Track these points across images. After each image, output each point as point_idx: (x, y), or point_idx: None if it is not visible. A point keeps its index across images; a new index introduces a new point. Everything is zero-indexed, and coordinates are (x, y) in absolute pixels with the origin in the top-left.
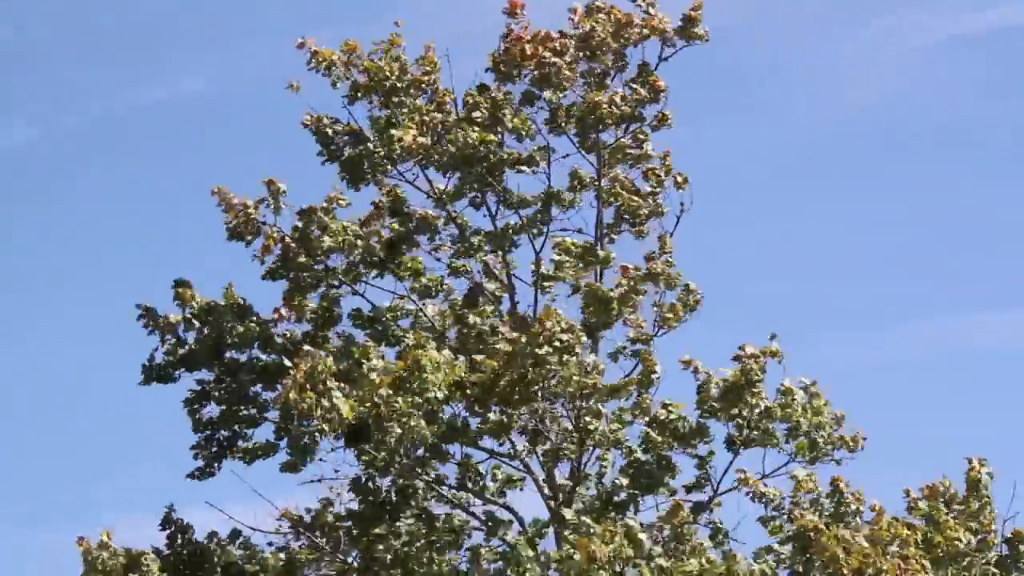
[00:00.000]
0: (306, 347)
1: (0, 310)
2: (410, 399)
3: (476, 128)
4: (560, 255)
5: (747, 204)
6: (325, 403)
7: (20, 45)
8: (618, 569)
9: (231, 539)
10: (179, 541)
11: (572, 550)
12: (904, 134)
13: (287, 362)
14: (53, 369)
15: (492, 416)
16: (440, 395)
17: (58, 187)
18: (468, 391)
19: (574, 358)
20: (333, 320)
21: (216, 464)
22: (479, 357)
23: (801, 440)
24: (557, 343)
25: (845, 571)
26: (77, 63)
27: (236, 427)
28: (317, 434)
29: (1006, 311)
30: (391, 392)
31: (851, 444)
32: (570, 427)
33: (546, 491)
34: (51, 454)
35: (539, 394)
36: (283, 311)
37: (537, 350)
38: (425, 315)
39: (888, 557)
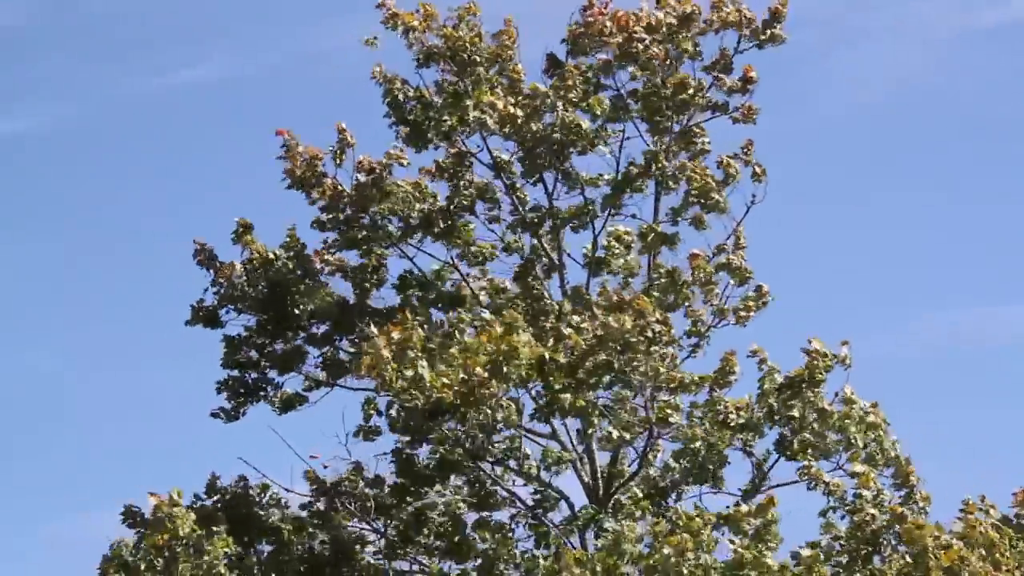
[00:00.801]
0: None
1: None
2: (504, 384)
3: (568, 107)
4: (614, 241)
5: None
6: (410, 374)
7: None
8: (700, 559)
9: (261, 492)
10: (223, 506)
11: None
12: (919, 125)
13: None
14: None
15: (569, 396)
16: (526, 375)
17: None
18: (547, 369)
19: (659, 349)
20: (378, 281)
21: (243, 408)
22: (568, 331)
23: (856, 452)
24: (650, 332)
25: (932, 567)
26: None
27: (267, 372)
28: (398, 407)
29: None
30: (485, 375)
31: (905, 471)
32: (637, 417)
33: (588, 479)
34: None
35: (622, 382)
36: (315, 260)
37: (628, 336)
38: (469, 285)
39: (979, 559)
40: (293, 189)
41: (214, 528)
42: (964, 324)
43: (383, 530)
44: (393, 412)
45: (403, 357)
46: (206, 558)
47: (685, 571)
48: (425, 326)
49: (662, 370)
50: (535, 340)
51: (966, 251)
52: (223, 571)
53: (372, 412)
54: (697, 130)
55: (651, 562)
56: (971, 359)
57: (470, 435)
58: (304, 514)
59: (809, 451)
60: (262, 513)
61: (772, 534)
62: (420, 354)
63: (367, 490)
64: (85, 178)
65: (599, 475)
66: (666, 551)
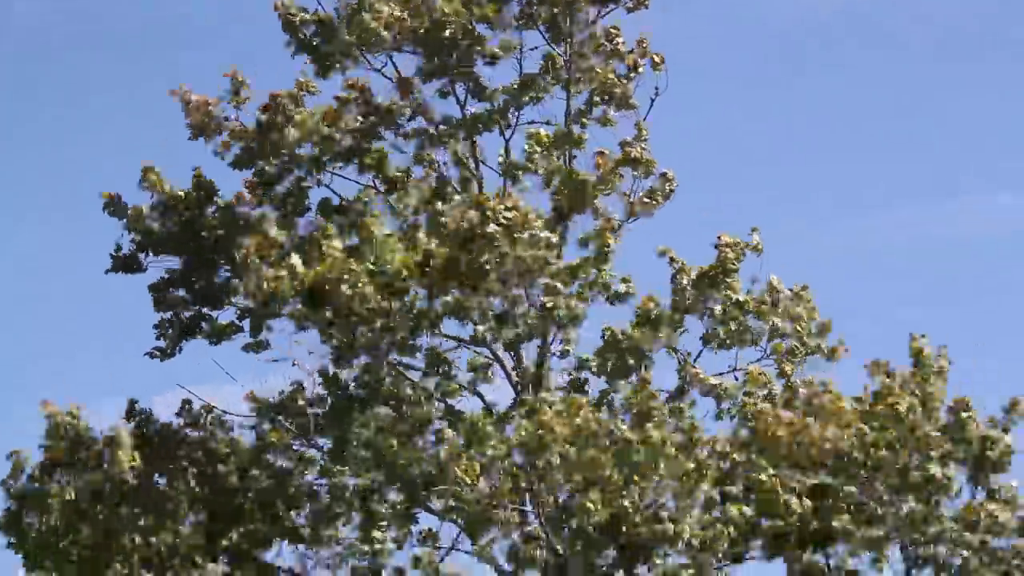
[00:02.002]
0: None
1: None
2: (362, 264)
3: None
4: (532, 146)
5: (724, 91)
6: (282, 271)
7: None
8: (581, 444)
9: (205, 412)
10: (145, 430)
11: (533, 428)
12: (888, 28)
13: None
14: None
15: (455, 299)
16: (393, 267)
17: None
18: (427, 273)
19: (524, 236)
20: (300, 211)
21: (178, 345)
22: (435, 239)
23: (778, 343)
24: (503, 221)
25: (787, 446)
26: None
27: (200, 309)
28: (277, 301)
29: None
30: (344, 256)
31: (828, 354)
32: (534, 310)
33: (514, 378)
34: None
35: (497, 275)
36: (245, 194)
37: (484, 229)
38: (392, 205)
39: (824, 429)
40: (198, 139)
41: (120, 443)
42: (878, 223)
43: (323, 448)
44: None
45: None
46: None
47: (568, 452)
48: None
49: (527, 256)
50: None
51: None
52: (129, 480)
53: (261, 327)
54: (613, 31)
55: (531, 445)
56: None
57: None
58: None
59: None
60: (199, 435)
61: (655, 412)
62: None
63: (308, 409)
64: None
65: (522, 371)
66: (540, 433)
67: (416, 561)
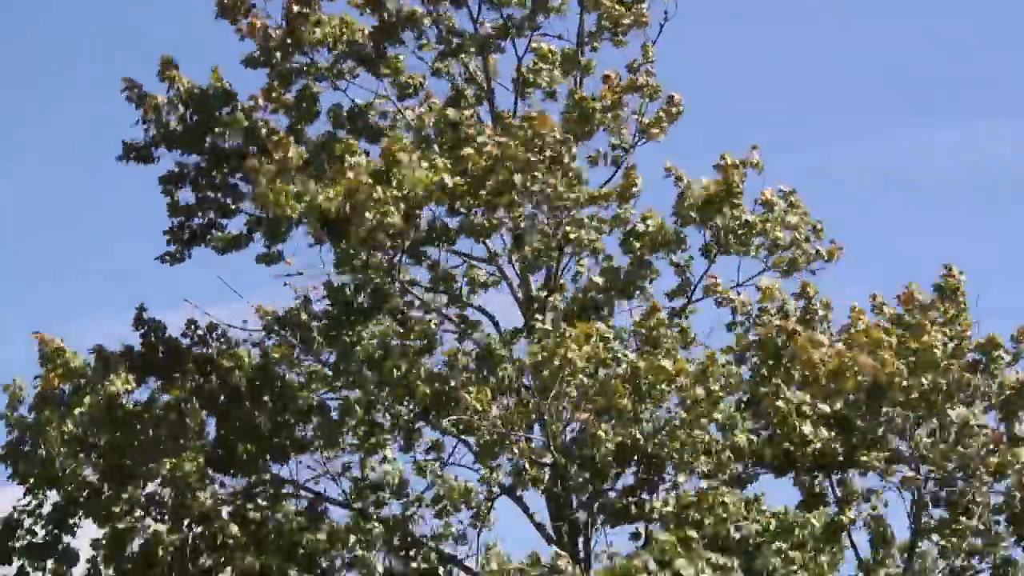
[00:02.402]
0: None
1: None
2: (388, 192)
3: None
4: (539, 61)
5: (734, 17)
6: (300, 191)
7: None
8: (592, 371)
9: (208, 332)
10: (152, 339)
11: (546, 354)
12: None
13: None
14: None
15: (474, 218)
16: (418, 192)
17: None
18: (450, 191)
19: (561, 167)
20: (312, 115)
21: (187, 251)
22: (467, 151)
23: (781, 256)
24: (549, 151)
25: (821, 374)
26: None
27: (211, 215)
28: (292, 222)
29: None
30: (370, 183)
31: (827, 255)
32: (550, 234)
33: (520, 297)
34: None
35: (523, 199)
36: (260, 100)
37: (529, 155)
38: (403, 115)
39: (865, 360)
40: (222, 18)
41: (113, 366)
42: (889, 149)
43: (324, 361)
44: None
45: (285, 177)
46: (102, 396)
47: (581, 380)
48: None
49: (562, 188)
50: (450, 165)
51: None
52: (125, 404)
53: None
54: None
55: (544, 373)
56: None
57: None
58: (252, 349)
59: (735, 254)
60: (205, 351)
61: (666, 338)
62: (308, 172)
63: (312, 322)
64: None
65: (531, 295)
66: (556, 362)
67: (420, 470)
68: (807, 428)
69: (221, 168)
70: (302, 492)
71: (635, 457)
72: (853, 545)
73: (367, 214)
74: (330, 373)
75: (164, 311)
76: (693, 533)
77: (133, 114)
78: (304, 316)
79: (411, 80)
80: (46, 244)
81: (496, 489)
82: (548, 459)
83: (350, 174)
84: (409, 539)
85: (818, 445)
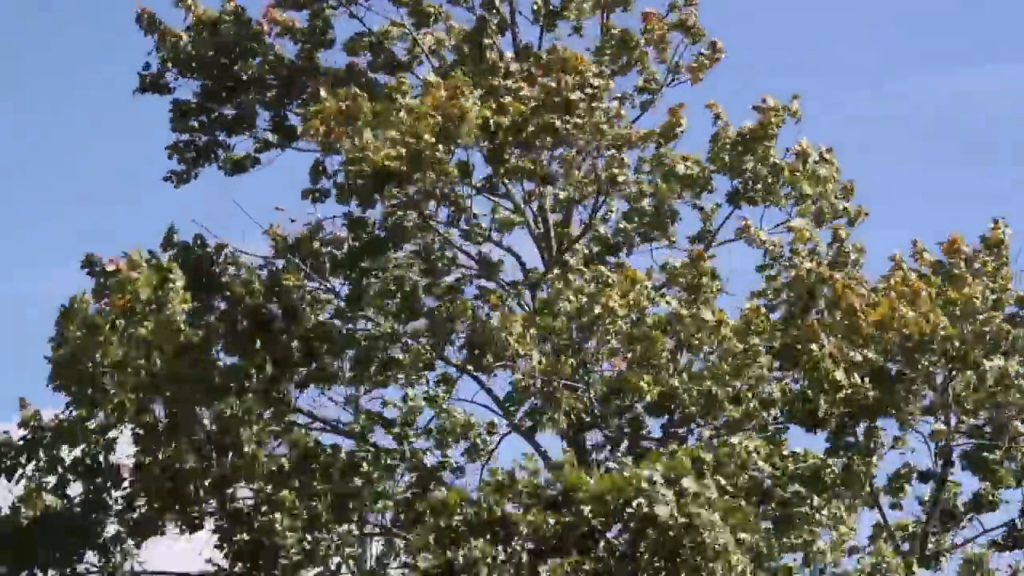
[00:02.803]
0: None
1: None
2: (451, 149)
3: None
4: None
5: None
6: (356, 142)
7: None
8: (635, 317)
9: (216, 252)
10: (184, 260)
11: (585, 300)
12: None
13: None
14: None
15: (512, 160)
16: (470, 139)
17: None
18: (493, 133)
19: (603, 105)
20: (326, 43)
21: (194, 171)
22: (507, 99)
23: (806, 205)
24: (589, 89)
25: (863, 323)
26: None
27: (217, 134)
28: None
29: None
30: (432, 139)
31: (853, 216)
32: (587, 175)
33: (544, 238)
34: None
35: (565, 141)
36: (266, 24)
37: (569, 95)
38: (421, 44)
39: (907, 312)
40: None
41: (171, 284)
42: (930, 89)
43: (337, 290)
44: (340, 179)
45: (350, 124)
46: (166, 314)
47: (621, 327)
48: (368, 92)
49: (605, 128)
50: (481, 102)
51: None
52: (182, 326)
53: (321, 175)
54: None
55: (584, 320)
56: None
57: (418, 199)
58: (263, 274)
59: (760, 203)
60: (218, 271)
61: (707, 288)
62: (368, 121)
63: (324, 249)
64: None
65: (552, 236)
66: (597, 310)
67: (431, 401)
68: (839, 375)
69: (236, 92)
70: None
71: (671, 407)
72: (875, 495)
73: (430, 172)
74: (342, 302)
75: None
76: (707, 456)
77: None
78: (315, 244)
79: (431, 8)
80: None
81: (510, 429)
82: (575, 405)
83: (405, 117)
84: (421, 472)
85: (849, 391)
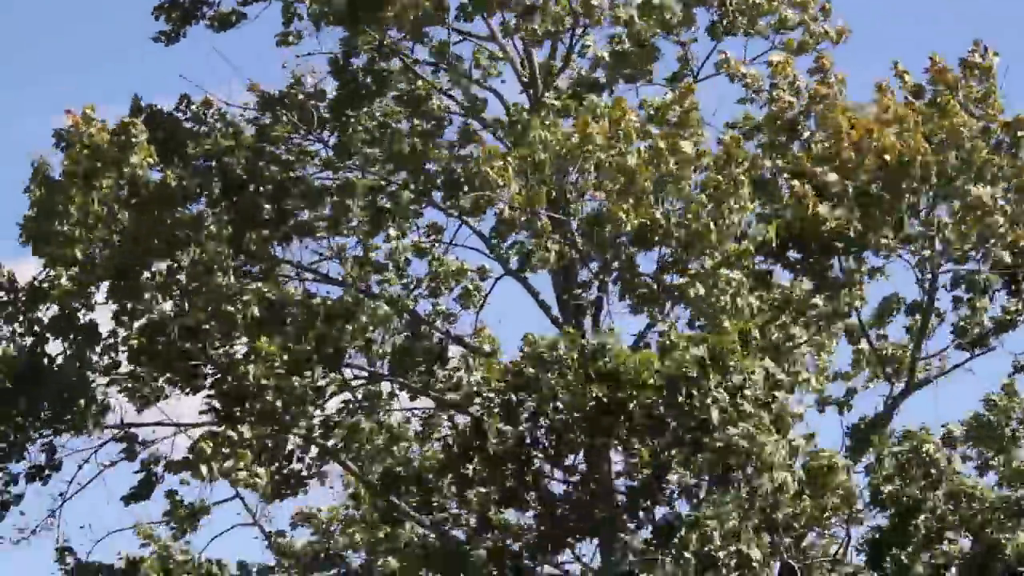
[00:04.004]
0: None
1: None
2: None
3: None
4: None
5: None
6: None
7: None
8: (613, 150)
9: (203, 108)
10: (153, 124)
11: (566, 130)
12: None
13: None
14: None
15: None
16: None
17: None
18: None
19: None
20: None
21: (182, 30)
22: None
23: (789, 39)
24: None
25: (845, 146)
26: None
27: None
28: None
29: None
30: None
31: (835, 36)
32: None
33: (525, 76)
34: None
35: None
36: None
37: None
38: None
39: (889, 136)
40: None
41: (133, 140)
42: None
43: (325, 141)
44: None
45: None
46: (126, 169)
47: (602, 159)
48: None
49: None
50: None
51: None
52: (145, 176)
53: (293, 18)
54: None
55: (565, 152)
56: None
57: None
58: (249, 129)
59: (742, 33)
60: (202, 129)
61: (692, 122)
62: None
63: (309, 102)
64: None
65: (537, 76)
66: (577, 141)
67: (420, 252)
68: (823, 208)
69: None
70: (306, 275)
71: (656, 239)
72: (862, 325)
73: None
74: (329, 153)
75: (158, 99)
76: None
77: None
78: (301, 96)
79: None
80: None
81: (501, 270)
82: (562, 239)
83: None
84: (412, 318)
85: (832, 225)
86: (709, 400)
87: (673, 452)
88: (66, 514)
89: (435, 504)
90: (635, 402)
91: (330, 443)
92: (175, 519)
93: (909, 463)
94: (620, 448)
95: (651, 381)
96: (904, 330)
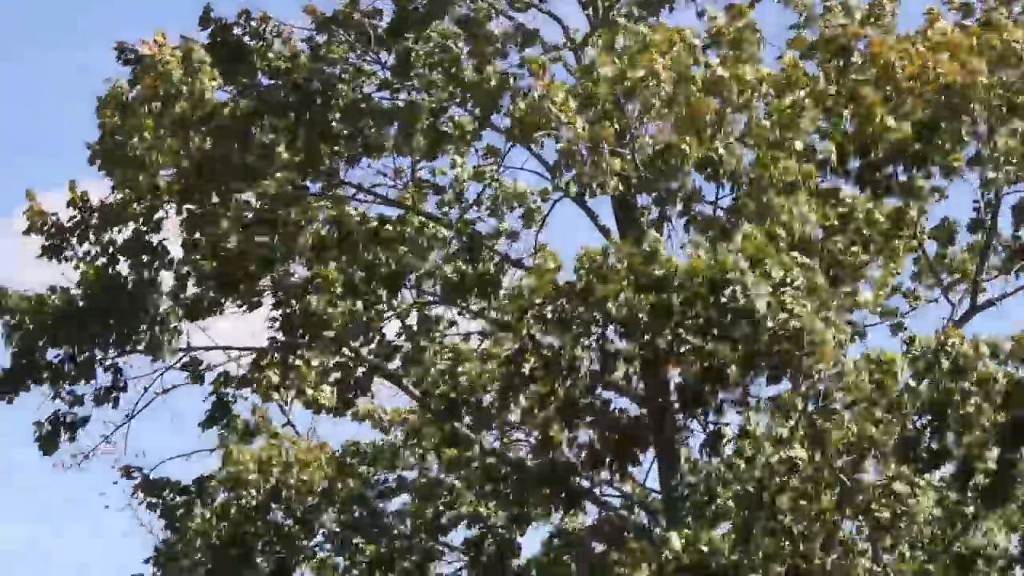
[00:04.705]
0: None
1: None
2: None
3: None
4: None
5: None
6: None
7: None
8: (675, 80)
9: (261, 23)
10: (219, 39)
11: (628, 61)
12: None
13: None
14: None
15: None
16: None
17: None
18: None
19: None
20: None
21: None
22: None
23: None
24: None
25: (900, 77)
26: None
27: None
28: None
29: None
30: None
31: None
32: None
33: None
34: None
35: None
36: None
37: None
38: None
39: (945, 62)
40: None
41: (199, 64)
42: None
43: (382, 61)
44: None
45: None
46: (196, 93)
47: (664, 90)
48: None
49: None
50: None
51: None
52: (213, 98)
53: None
54: None
55: (626, 84)
56: None
57: None
58: (306, 48)
59: None
60: (260, 44)
61: (748, 42)
62: None
63: (365, 20)
64: None
65: None
66: (639, 73)
67: (479, 175)
68: (890, 120)
69: None
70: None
71: (720, 170)
72: (920, 245)
73: None
74: (387, 74)
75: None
76: (780, 231)
77: None
78: (357, 15)
79: None
80: None
81: (561, 194)
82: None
83: None
84: (471, 240)
85: (898, 136)
86: (754, 294)
87: (726, 355)
88: (129, 438)
89: (495, 425)
90: (686, 308)
91: (392, 366)
92: (231, 438)
93: (936, 355)
94: (672, 356)
95: (700, 287)
96: (966, 249)
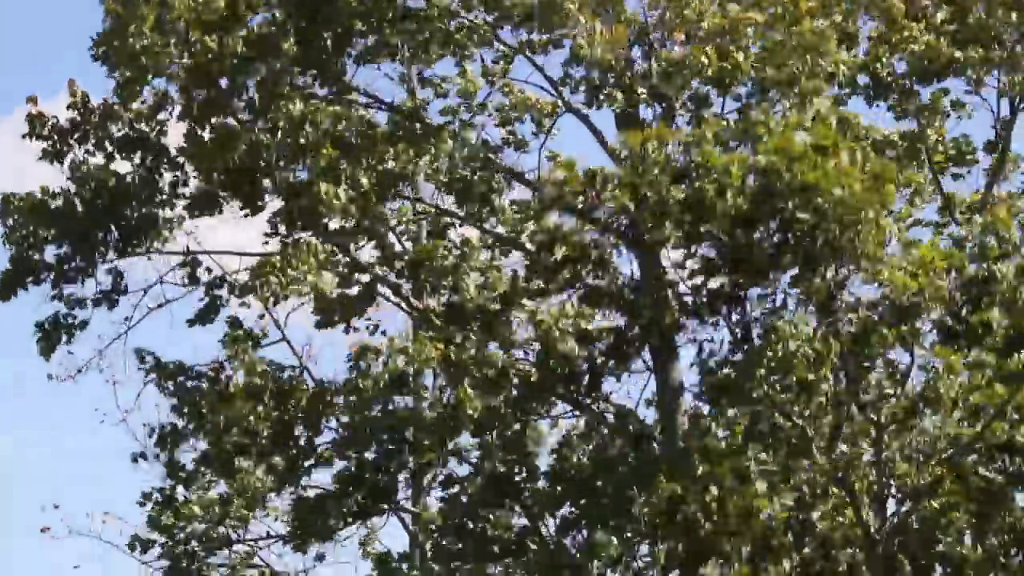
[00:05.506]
0: None
1: None
2: None
3: None
4: None
5: None
6: None
7: None
8: None
9: None
10: None
11: None
12: None
13: None
14: None
15: None
16: None
17: None
18: None
19: None
20: None
21: None
22: None
23: None
24: None
25: None
26: None
27: None
28: None
29: None
30: None
31: None
32: None
33: None
34: None
35: None
36: None
37: None
38: None
39: None
40: None
41: None
42: None
43: None
44: None
45: None
46: None
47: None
48: None
49: None
50: None
51: None
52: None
53: None
54: None
55: None
56: None
57: None
58: None
59: None
60: None
61: None
62: None
63: None
64: None
65: None
66: None
67: (486, 74)
68: (916, 29)
69: None
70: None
71: (736, 80)
72: (932, 164)
73: None
74: None
75: None
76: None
77: None
78: None
79: None
80: None
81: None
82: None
83: None
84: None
85: (921, 47)
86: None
87: (763, 245)
88: (130, 342)
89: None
90: (722, 199)
91: (397, 267)
92: (230, 343)
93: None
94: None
95: (738, 179)
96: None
